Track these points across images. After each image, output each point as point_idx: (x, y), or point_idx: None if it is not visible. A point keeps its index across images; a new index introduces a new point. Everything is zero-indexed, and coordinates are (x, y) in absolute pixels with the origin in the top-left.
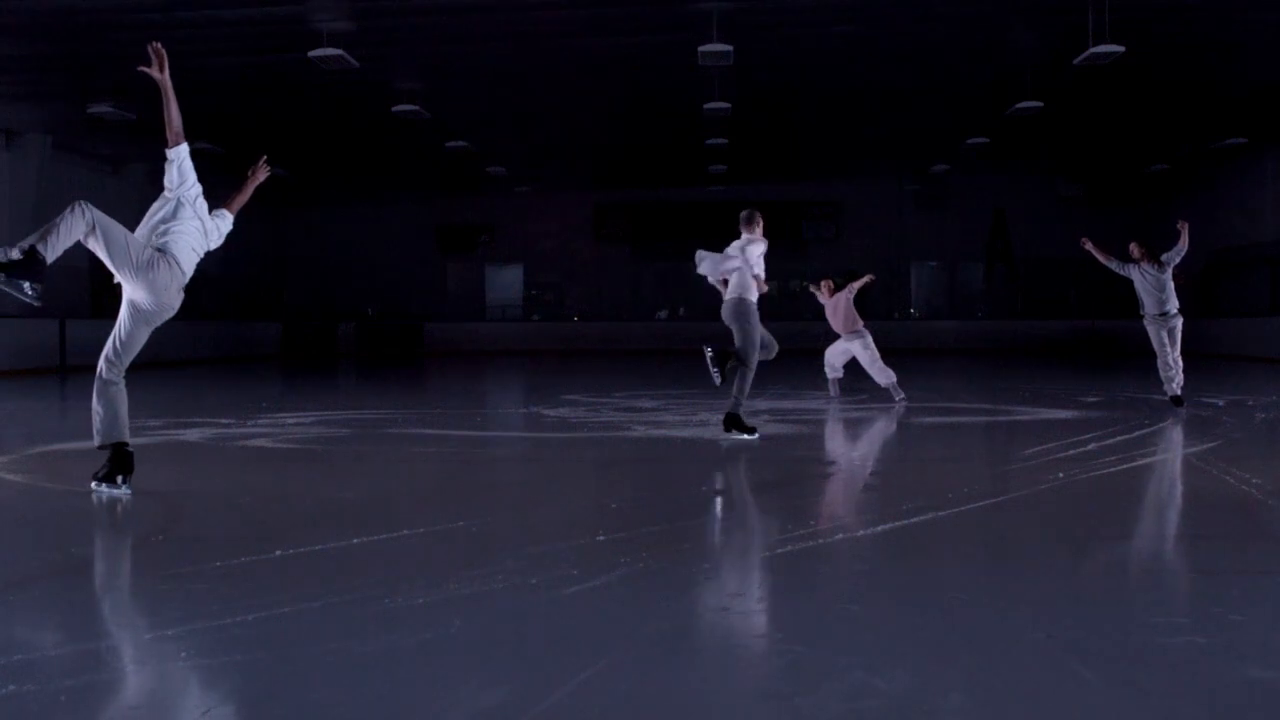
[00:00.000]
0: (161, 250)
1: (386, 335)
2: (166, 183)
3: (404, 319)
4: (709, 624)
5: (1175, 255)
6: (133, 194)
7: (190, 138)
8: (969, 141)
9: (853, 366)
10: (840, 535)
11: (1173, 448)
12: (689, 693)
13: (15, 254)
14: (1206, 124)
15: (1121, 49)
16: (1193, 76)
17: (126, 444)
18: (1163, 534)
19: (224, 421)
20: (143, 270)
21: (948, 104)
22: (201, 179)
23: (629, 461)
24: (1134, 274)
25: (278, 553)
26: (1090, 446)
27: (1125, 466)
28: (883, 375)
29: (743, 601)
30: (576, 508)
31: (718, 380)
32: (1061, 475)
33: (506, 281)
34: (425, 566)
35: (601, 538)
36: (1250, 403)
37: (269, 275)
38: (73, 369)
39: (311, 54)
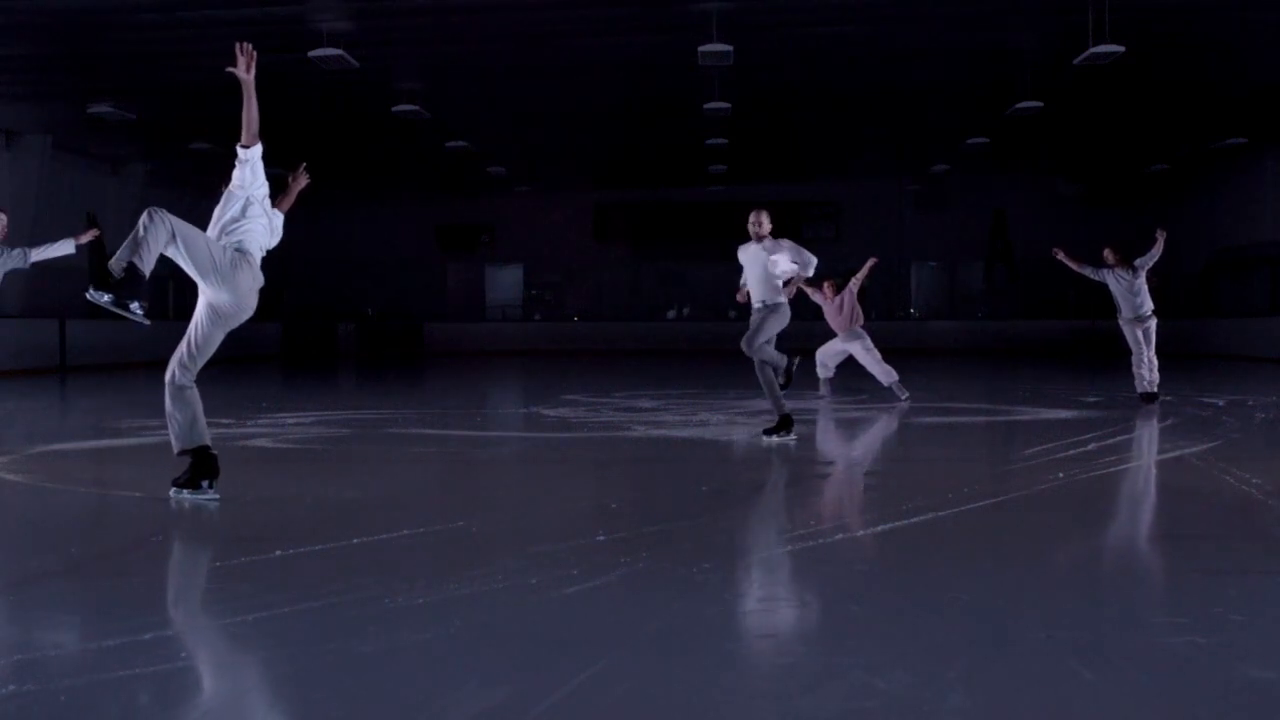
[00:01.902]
0: (240, 250)
1: (386, 335)
2: (237, 179)
3: (404, 319)
4: (709, 624)
5: (1148, 260)
6: (133, 194)
7: (190, 138)
8: (969, 141)
9: (851, 367)
10: (840, 535)
11: (1172, 447)
12: (689, 693)
13: (116, 273)
14: (1206, 124)
15: (1121, 49)
16: (1193, 76)
17: (209, 447)
18: (1162, 534)
19: (224, 421)
20: (227, 274)
21: (948, 104)
22: (202, 180)
23: (629, 461)
24: (1108, 279)
25: (278, 553)
26: (1090, 446)
27: (1125, 466)
28: (886, 375)
29: (743, 601)
30: (576, 508)
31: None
32: (1061, 475)
33: (506, 281)
34: (425, 566)
35: (601, 538)
36: (1250, 403)
37: (269, 275)
38: (73, 369)
39: (311, 54)
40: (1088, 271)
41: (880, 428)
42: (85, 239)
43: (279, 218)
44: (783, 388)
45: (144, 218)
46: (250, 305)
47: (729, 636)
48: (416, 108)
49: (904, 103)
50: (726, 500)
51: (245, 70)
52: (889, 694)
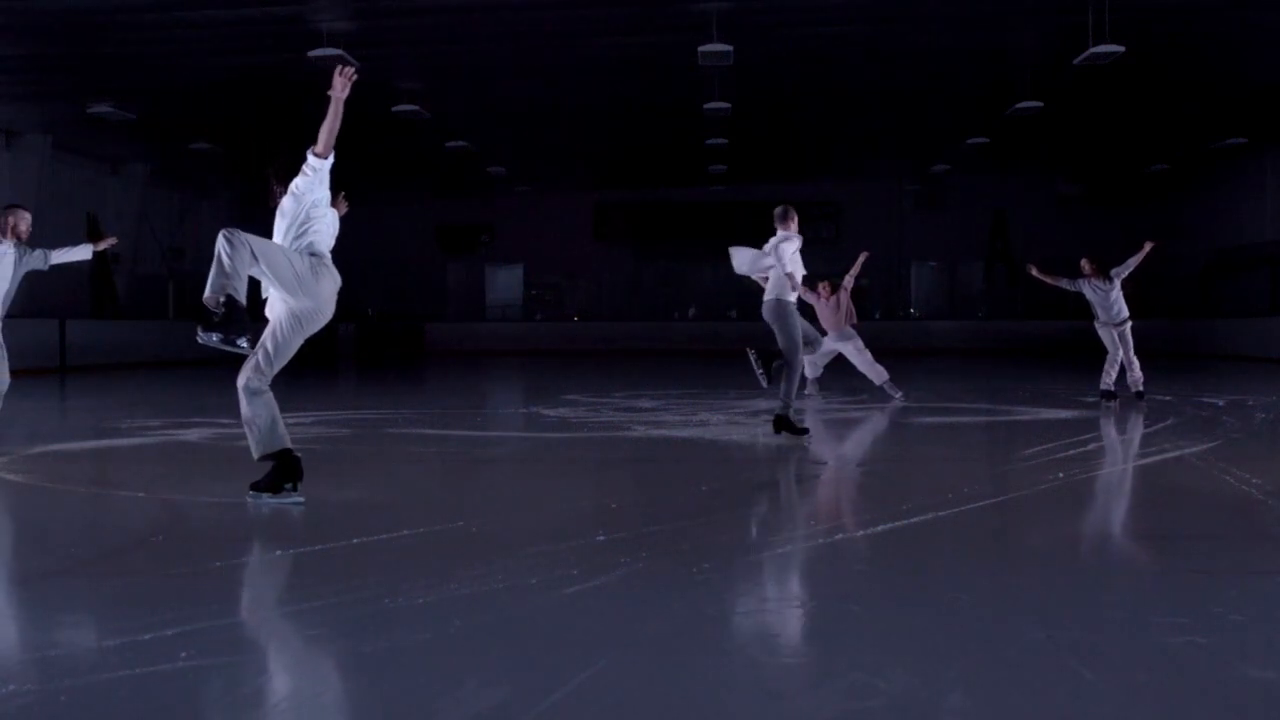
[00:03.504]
0: (315, 254)
1: (387, 335)
2: (303, 186)
3: (404, 319)
4: (709, 624)
5: (1124, 270)
6: (133, 194)
7: (190, 138)
8: (969, 141)
9: (844, 367)
10: (840, 535)
11: (1172, 447)
12: (689, 693)
13: (216, 311)
14: (1206, 124)
15: (1121, 49)
16: (1193, 76)
17: (292, 450)
18: (1162, 534)
19: (224, 421)
20: (310, 284)
21: (948, 104)
22: (203, 180)
23: (629, 461)
24: (1085, 289)
25: (278, 553)
26: (1090, 446)
27: (1125, 466)
28: (877, 374)
29: (743, 602)
30: (576, 508)
31: (764, 382)
32: (1061, 475)
33: (506, 281)
34: (425, 566)
35: (601, 538)
36: (1250, 403)
37: None
38: (73, 369)
39: (311, 54)
40: (1064, 284)
41: (879, 428)
42: (103, 246)
43: (336, 215)
44: (770, 382)
45: (222, 244)
46: (331, 310)
47: (729, 636)
48: (416, 108)
49: (904, 103)
50: (726, 500)
51: (341, 90)
52: (889, 694)
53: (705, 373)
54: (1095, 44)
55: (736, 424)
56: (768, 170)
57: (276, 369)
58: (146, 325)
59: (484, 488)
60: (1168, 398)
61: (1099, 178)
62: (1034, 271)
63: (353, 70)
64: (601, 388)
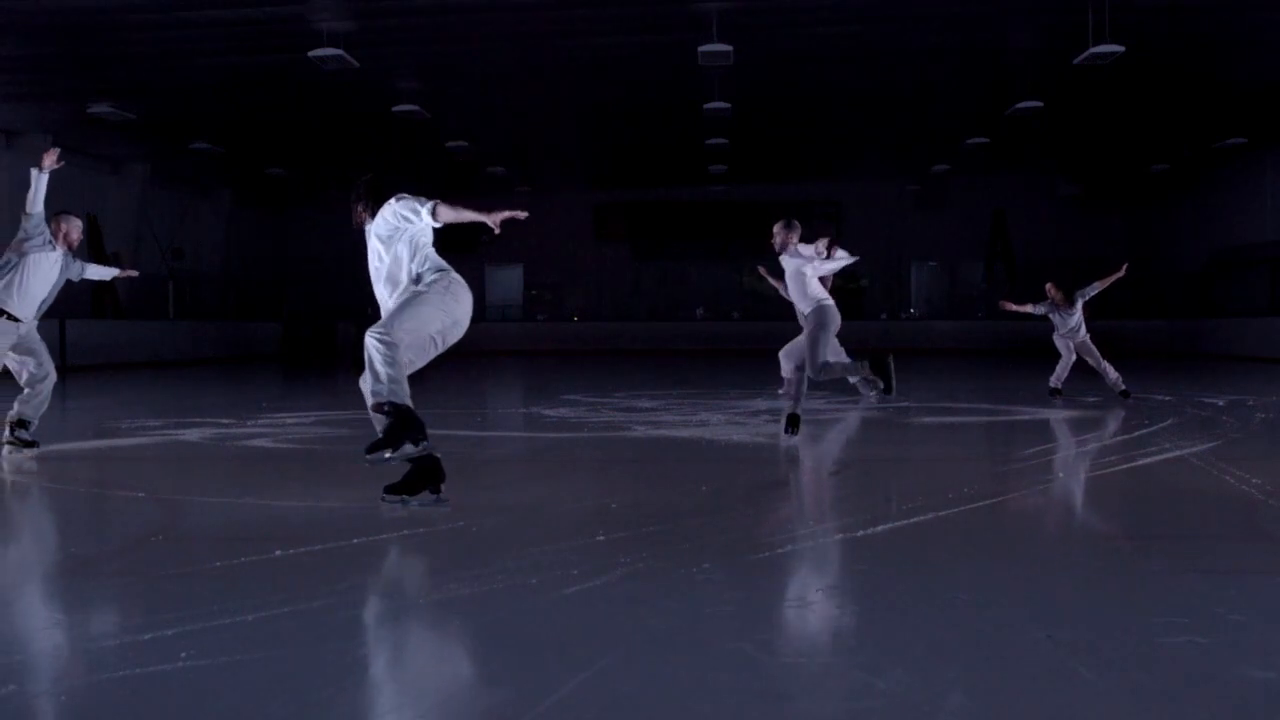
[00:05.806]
0: (441, 270)
1: None
2: (408, 218)
3: None
4: (709, 624)
5: (1088, 293)
6: (133, 194)
7: (190, 138)
8: (969, 141)
9: None
10: (840, 535)
11: (1172, 447)
12: (689, 693)
13: (380, 426)
14: (1206, 124)
15: (1121, 49)
16: (1193, 76)
17: (433, 451)
18: (1162, 534)
19: (224, 421)
20: (453, 308)
21: (948, 104)
22: (204, 180)
23: (629, 461)
24: (1053, 314)
25: (278, 553)
26: (1090, 446)
27: (1125, 466)
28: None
29: (743, 602)
30: (576, 508)
31: (891, 390)
32: (1061, 475)
33: (506, 281)
34: (425, 566)
35: (601, 538)
36: (1250, 403)
37: (269, 275)
38: (73, 369)
39: (311, 54)
40: (1038, 309)
41: (878, 428)
42: (126, 274)
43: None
44: (885, 392)
45: (375, 350)
46: (468, 320)
47: (729, 636)
48: (416, 108)
49: (904, 103)
50: (726, 500)
51: (498, 219)
52: (889, 694)
53: (706, 373)
54: (1095, 44)
55: (736, 424)
56: (768, 170)
57: (408, 373)
58: (146, 325)
59: (484, 488)
60: (1168, 398)
61: (1099, 178)
62: (1007, 306)
63: (525, 215)
64: (601, 388)
